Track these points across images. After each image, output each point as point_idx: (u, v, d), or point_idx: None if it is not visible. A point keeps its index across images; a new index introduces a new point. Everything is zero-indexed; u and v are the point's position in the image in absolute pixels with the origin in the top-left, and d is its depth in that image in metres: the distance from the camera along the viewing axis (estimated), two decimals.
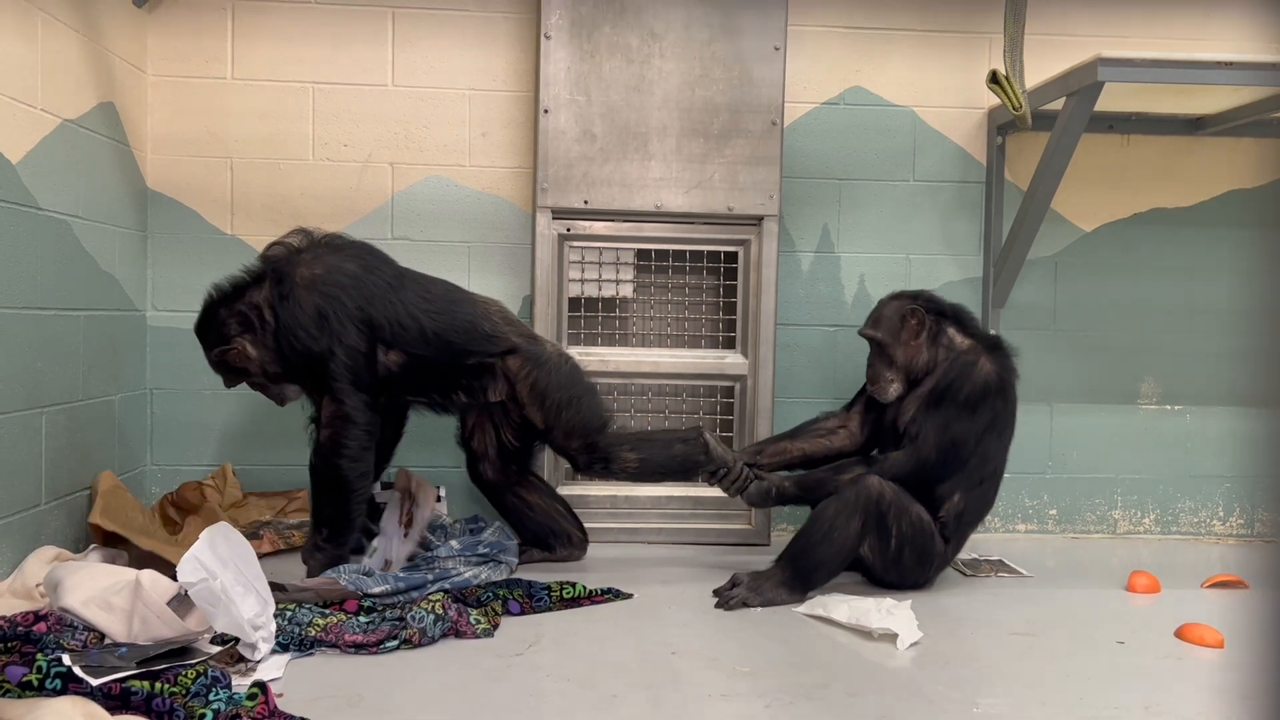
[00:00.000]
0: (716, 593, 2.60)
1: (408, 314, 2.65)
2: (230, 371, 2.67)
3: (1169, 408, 3.51)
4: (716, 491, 3.20)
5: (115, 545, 2.60)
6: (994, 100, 3.29)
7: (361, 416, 2.60)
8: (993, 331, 3.40)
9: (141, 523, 2.74)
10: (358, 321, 2.60)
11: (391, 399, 2.75)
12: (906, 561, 2.65)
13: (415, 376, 2.70)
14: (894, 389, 2.78)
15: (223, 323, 2.63)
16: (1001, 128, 3.38)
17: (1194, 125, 3.41)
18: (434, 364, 2.70)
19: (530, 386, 2.74)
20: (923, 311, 2.76)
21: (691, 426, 2.98)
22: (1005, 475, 3.43)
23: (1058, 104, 2.97)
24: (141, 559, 2.52)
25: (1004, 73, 2.81)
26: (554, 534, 2.93)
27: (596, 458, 2.76)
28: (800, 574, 2.57)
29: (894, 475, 2.65)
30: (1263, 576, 2.97)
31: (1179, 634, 2.38)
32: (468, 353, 2.71)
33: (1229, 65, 2.77)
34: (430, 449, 3.22)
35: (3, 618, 2.03)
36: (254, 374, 2.66)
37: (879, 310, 2.85)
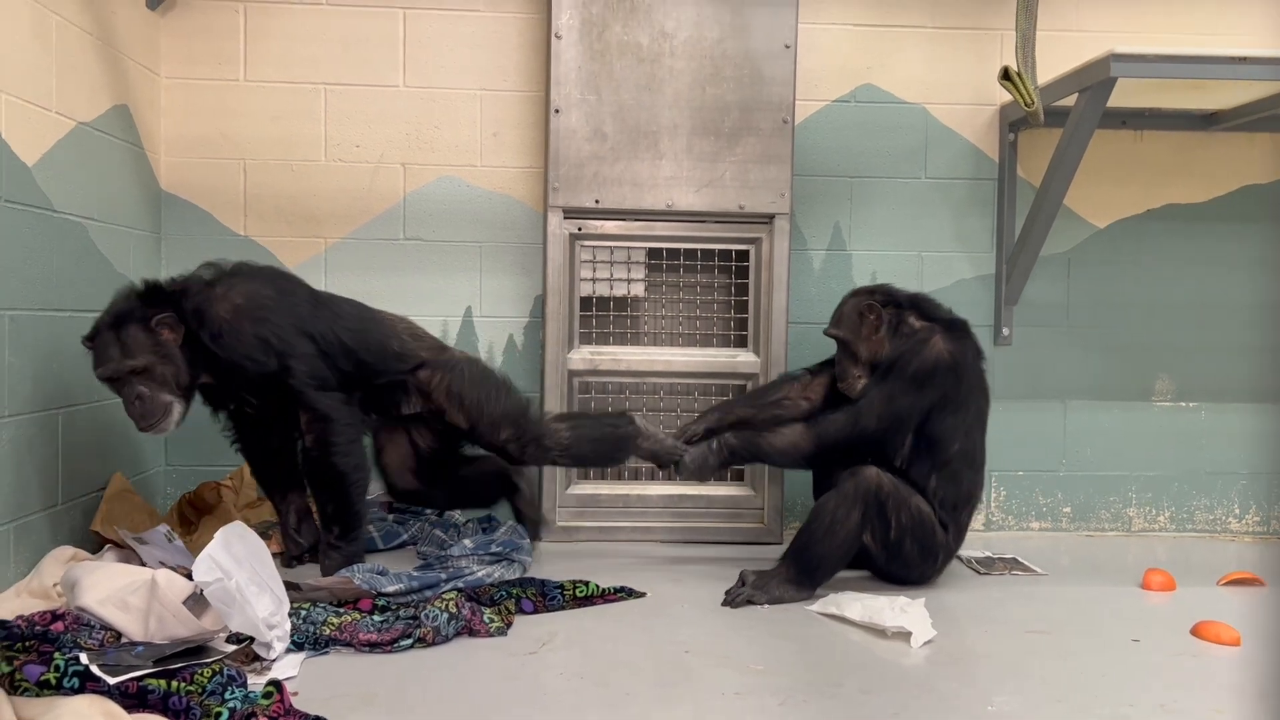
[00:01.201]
0: (727, 592, 2.60)
1: (330, 330, 2.67)
2: (138, 349, 2.45)
3: (1184, 404, 3.50)
4: (727, 489, 3.22)
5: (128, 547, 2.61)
6: (1006, 97, 3.28)
7: (340, 413, 2.62)
8: (1005, 329, 3.41)
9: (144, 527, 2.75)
10: (299, 334, 2.60)
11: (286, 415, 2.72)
12: (909, 553, 2.64)
13: None
14: (861, 384, 2.80)
15: (150, 306, 2.50)
16: (1014, 124, 3.37)
17: (1208, 120, 3.39)
18: (351, 382, 2.70)
19: (445, 392, 2.79)
20: (879, 305, 2.79)
21: (620, 411, 3.05)
22: (1019, 472, 3.46)
23: (1070, 100, 2.96)
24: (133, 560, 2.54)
25: (1016, 69, 2.80)
26: (500, 474, 2.98)
27: (528, 439, 2.77)
28: (805, 570, 2.57)
29: (832, 438, 2.68)
30: (1279, 574, 2.96)
31: (1195, 632, 2.37)
32: (378, 373, 2.75)
33: (1243, 60, 2.75)
34: None
35: (21, 617, 2.04)
36: (161, 362, 2.48)
37: (840, 309, 2.88)
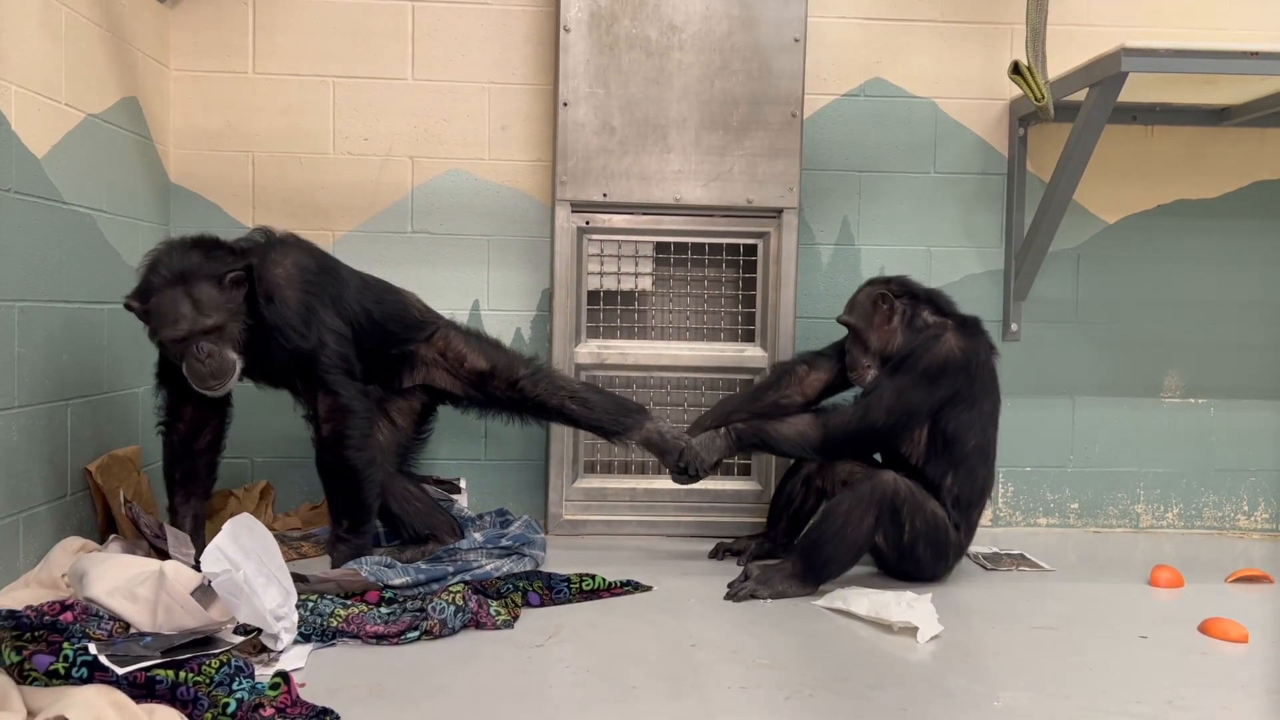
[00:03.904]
0: (730, 584, 2.60)
1: (360, 305, 2.70)
2: (212, 306, 2.43)
3: (1193, 401, 3.48)
4: (735, 484, 3.22)
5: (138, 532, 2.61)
6: (1016, 91, 3.27)
7: (360, 404, 2.61)
8: (1014, 325, 3.40)
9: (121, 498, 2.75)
10: (336, 313, 2.62)
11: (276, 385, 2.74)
12: (921, 555, 2.64)
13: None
14: (870, 375, 2.78)
15: (212, 260, 2.48)
16: (1023, 119, 3.36)
17: (1219, 116, 3.37)
18: (368, 354, 2.71)
19: (463, 339, 2.87)
20: (893, 296, 2.77)
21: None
22: (1027, 468, 3.45)
23: (1080, 95, 2.95)
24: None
25: (1026, 63, 2.79)
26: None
27: (542, 375, 2.83)
28: (811, 568, 2.57)
29: (840, 430, 2.67)
30: None
31: (1203, 628, 2.37)
32: (400, 341, 2.80)
33: (1255, 55, 2.74)
34: (454, 441, 3.26)
35: (30, 608, 2.05)
36: (232, 320, 2.47)
37: (854, 297, 2.87)
